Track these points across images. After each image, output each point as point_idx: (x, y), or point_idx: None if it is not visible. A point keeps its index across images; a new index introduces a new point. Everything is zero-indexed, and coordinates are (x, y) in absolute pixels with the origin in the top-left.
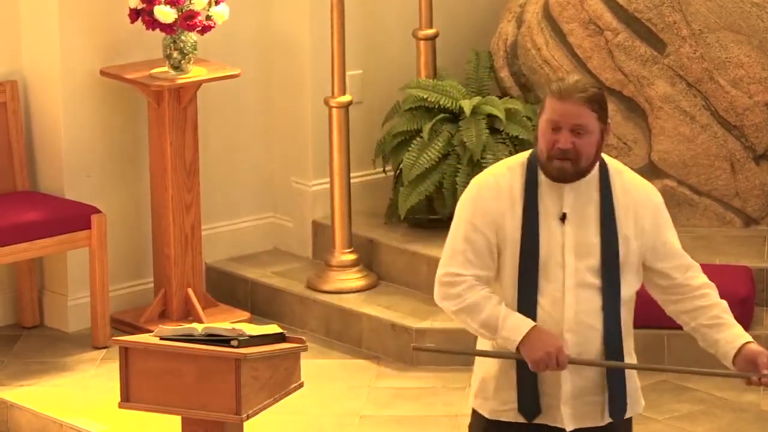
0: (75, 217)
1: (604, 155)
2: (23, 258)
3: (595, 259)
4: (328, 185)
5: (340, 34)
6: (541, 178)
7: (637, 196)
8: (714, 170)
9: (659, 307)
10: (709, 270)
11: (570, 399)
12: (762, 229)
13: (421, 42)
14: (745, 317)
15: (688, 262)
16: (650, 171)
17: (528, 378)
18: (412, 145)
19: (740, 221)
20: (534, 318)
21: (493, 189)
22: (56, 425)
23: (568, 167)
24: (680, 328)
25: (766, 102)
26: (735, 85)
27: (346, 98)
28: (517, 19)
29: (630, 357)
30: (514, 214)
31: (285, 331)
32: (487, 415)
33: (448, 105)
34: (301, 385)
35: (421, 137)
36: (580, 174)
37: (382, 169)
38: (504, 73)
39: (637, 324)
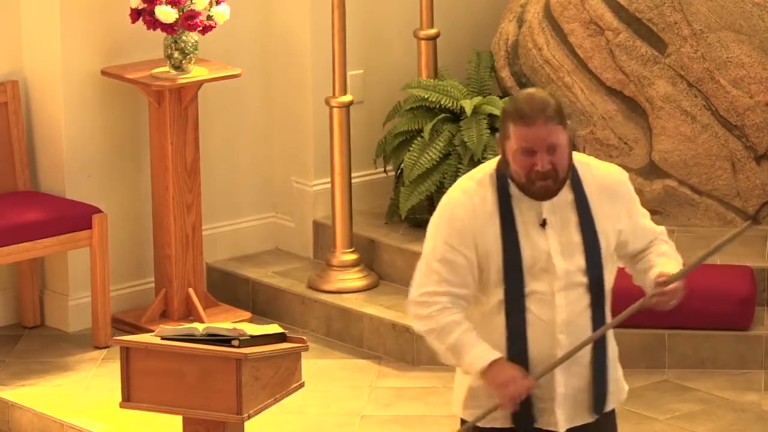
0: (76, 217)
1: None
2: (24, 258)
3: (580, 258)
4: (329, 185)
5: (341, 34)
6: (513, 189)
7: (608, 185)
8: (715, 170)
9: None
10: (710, 270)
11: (563, 400)
12: (763, 229)
13: (422, 42)
14: (745, 317)
15: (655, 235)
16: (651, 171)
17: None
18: (413, 145)
19: (741, 221)
20: (524, 323)
21: (467, 206)
22: (57, 425)
23: (550, 185)
24: (681, 328)
25: (766, 102)
26: (736, 85)
27: (347, 98)
28: (518, 18)
29: (612, 343)
30: (493, 227)
31: (286, 331)
32: (480, 423)
33: (449, 105)
34: (302, 385)
35: (422, 137)
36: (562, 185)
37: (383, 169)
38: (505, 73)
39: (637, 324)
